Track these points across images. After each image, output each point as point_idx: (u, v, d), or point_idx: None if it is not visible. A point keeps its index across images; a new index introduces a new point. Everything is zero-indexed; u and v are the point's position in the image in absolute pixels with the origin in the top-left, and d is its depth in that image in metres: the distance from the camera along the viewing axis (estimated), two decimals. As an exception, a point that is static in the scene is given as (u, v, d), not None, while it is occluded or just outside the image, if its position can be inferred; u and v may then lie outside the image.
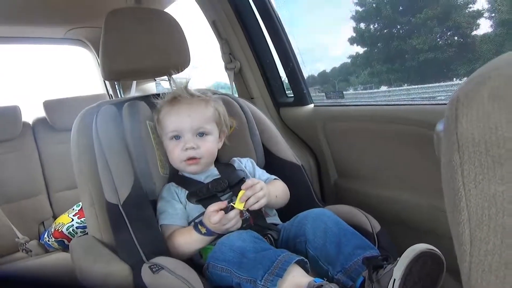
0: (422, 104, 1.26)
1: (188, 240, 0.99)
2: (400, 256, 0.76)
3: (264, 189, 1.01)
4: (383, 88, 1.98)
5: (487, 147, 0.32)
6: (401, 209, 1.31)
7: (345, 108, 1.54)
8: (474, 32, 1.48)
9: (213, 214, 0.94)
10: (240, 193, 0.98)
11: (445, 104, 1.19)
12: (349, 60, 2.04)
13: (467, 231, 0.34)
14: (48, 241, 1.81)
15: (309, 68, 1.83)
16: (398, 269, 0.74)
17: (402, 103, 1.35)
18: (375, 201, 1.38)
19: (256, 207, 0.98)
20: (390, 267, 0.76)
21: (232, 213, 0.95)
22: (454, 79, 1.48)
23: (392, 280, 0.74)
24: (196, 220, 1.03)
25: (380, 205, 1.35)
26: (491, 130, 0.32)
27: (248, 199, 0.98)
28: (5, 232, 1.77)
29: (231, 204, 0.97)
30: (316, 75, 2.13)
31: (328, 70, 2.18)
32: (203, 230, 0.97)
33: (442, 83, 1.52)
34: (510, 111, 0.31)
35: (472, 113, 0.33)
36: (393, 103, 1.39)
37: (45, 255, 1.74)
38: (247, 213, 1.04)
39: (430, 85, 1.57)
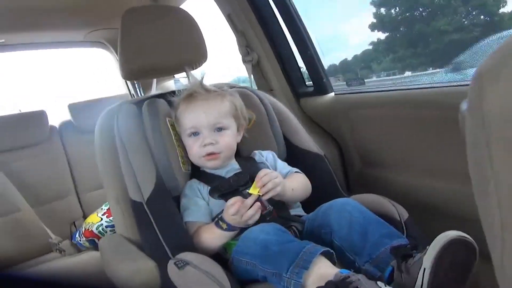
0: (445, 86, 1.21)
1: (211, 236, 0.99)
2: (429, 244, 0.73)
3: (280, 177, 1.00)
4: (408, 73, 1.92)
5: None
6: (429, 196, 1.27)
7: (366, 95, 1.51)
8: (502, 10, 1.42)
9: (230, 207, 0.93)
10: (255, 181, 0.97)
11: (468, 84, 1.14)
12: (370, 47, 1.99)
13: (498, 216, 0.32)
14: (80, 240, 1.85)
15: (329, 58, 1.80)
16: (428, 258, 0.71)
17: (424, 86, 1.30)
18: (401, 189, 1.35)
19: (270, 194, 0.97)
20: (420, 256, 0.73)
21: (248, 200, 0.94)
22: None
23: (422, 269, 0.71)
24: (218, 217, 1.03)
25: (407, 192, 1.31)
26: None
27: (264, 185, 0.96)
28: (38, 233, 1.83)
29: (247, 191, 0.97)
30: (337, 63, 2.09)
31: (349, 59, 2.13)
32: (224, 226, 0.96)
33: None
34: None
35: (499, 88, 0.31)
36: (415, 86, 1.34)
37: (78, 255, 1.79)
38: (270, 206, 1.03)
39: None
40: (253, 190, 0.96)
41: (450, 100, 1.13)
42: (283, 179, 1.02)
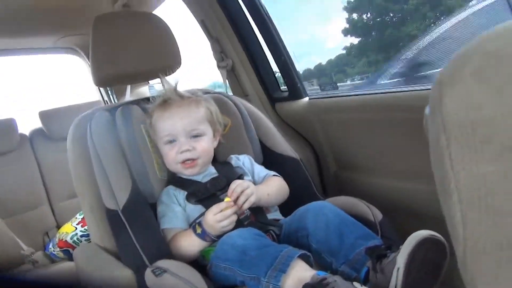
0: (414, 90, 1.25)
1: (188, 243, 0.99)
2: (402, 244, 0.75)
3: (252, 187, 1.01)
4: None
5: (473, 127, 0.32)
6: (403, 196, 1.31)
7: (339, 99, 1.53)
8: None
9: (214, 208, 0.96)
10: (227, 198, 0.99)
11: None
12: (344, 52, 2.03)
13: (459, 214, 0.34)
14: (54, 251, 1.81)
15: (303, 62, 1.83)
16: (401, 257, 0.73)
17: (393, 90, 1.34)
18: (376, 191, 1.38)
19: (246, 206, 0.99)
20: (393, 256, 0.75)
21: (228, 211, 0.95)
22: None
23: (396, 269, 0.73)
24: (195, 222, 1.03)
25: (381, 194, 1.34)
26: (476, 110, 0.31)
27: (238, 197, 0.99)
28: (9, 245, 1.77)
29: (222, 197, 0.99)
30: (312, 68, 2.13)
31: (323, 63, 2.17)
32: (199, 230, 0.97)
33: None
34: (493, 90, 0.31)
35: (456, 93, 0.33)
36: (384, 90, 1.38)
37: (51, 265, 1.74)
38: (247, 210, 1.04)
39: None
40: (227, 199, 0.98)
41: (419, 103, 1.16)
42: (255, 188, 1.03)
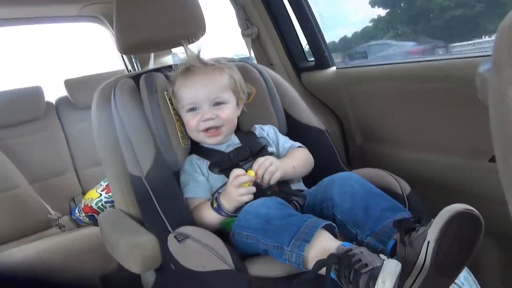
0: (446, 59, 1.19)
1: (206, 216, 0.99)
2: (434, 218, 0.72)
3: (275, 163, 1.00)
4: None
5: None
6: (431, 170, 1.26)
7: (368, 69, 1.48)
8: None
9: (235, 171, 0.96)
10: (250, 172, 0.98)
11: (472, 57, 1.11)
12: (371, 24, 1.94)
13: None
14: (79, 216, 1.85)
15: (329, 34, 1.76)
16: (433, 231, 0.69)
17: (427, 59, 1.27)
18: (403, 163, 1.34)
19: (273, 182, 0.99)
20: (424, 229, 0.72)
21: (245, 177, 0.95)
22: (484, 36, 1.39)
23: (426, 242, 0.70)
24: (216, 194, 1.03)
25: (409, 167, 1.30)
26: None
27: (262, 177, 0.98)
28: (38, 209, 1.83)
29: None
30: (337, 41, 2.05)
31: (349, 36, 2.09)
32: (215, 205, 0.97)
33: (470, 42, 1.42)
34: None
35: None
36: (417, 59, 1.32)
37: (77, 230, 1.79)
38: None
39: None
40: (250, 172, 0.97)
41: (453, 73, 1.11)
42: (279, 163, 1.01)
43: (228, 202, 0.95)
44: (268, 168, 0.98)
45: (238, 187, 0.94)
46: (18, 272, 1.41)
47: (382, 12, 1.88)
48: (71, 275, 1.43)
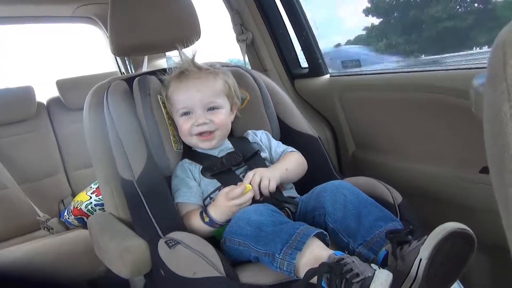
0: (440, 70, 1.20)
1: (197, 226, 0.97)
2: (427, 234, 0.70)
3: (265, 175, 0.98)
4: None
5: None
6: (423, 179, 1.27)
7: (362, 77, 1.49)
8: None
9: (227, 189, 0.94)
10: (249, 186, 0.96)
11: (467, 69, 1.12)
12: (364, 32, 1.96)
13: None
14: (68, 218, 1.83)
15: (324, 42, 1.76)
16: (426, 249, 0.69)
17: (420, 69, 1.28)
18: (395, 173, 1.34)
19: (271, 189, 0.98)
20: (417, 245, 0.71)
21: (239, 189, 0.93)
22: (474, 48, 1.41)
23: (418, 259, 0.69)
24: (207, 198, 1.03)
25: (401, 176, 1.31)
26: None
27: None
28: (26, 210, 1.80)
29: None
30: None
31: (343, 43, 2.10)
32: (206, 219, 0.95)
33: (461, 52, 1.44)
34: None
35: None
36: (412, 69, 1.33)
37: (66, 232, 1.77)
38: None
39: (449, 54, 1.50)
40: (248, 186, 0.96)
41: (447, 85, 1.11)
42: (270, 174, 1.00)
43: (222, 213, 0.94)
44: (261, 183, 0.97)
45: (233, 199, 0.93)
46: (5, 274, 1.39)
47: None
48: (59, 277, 1.41)
